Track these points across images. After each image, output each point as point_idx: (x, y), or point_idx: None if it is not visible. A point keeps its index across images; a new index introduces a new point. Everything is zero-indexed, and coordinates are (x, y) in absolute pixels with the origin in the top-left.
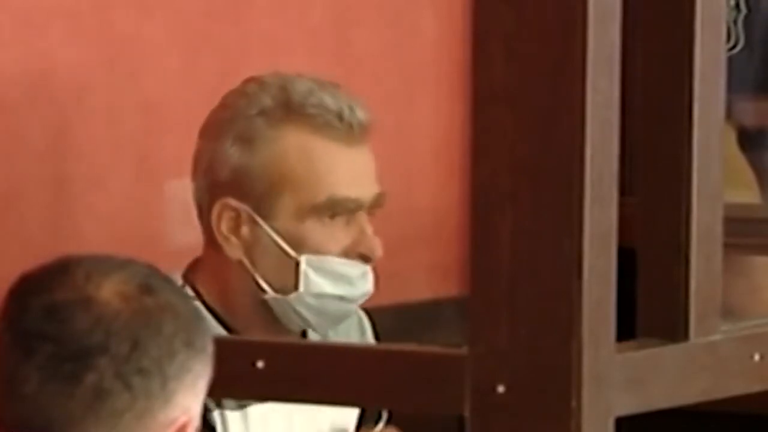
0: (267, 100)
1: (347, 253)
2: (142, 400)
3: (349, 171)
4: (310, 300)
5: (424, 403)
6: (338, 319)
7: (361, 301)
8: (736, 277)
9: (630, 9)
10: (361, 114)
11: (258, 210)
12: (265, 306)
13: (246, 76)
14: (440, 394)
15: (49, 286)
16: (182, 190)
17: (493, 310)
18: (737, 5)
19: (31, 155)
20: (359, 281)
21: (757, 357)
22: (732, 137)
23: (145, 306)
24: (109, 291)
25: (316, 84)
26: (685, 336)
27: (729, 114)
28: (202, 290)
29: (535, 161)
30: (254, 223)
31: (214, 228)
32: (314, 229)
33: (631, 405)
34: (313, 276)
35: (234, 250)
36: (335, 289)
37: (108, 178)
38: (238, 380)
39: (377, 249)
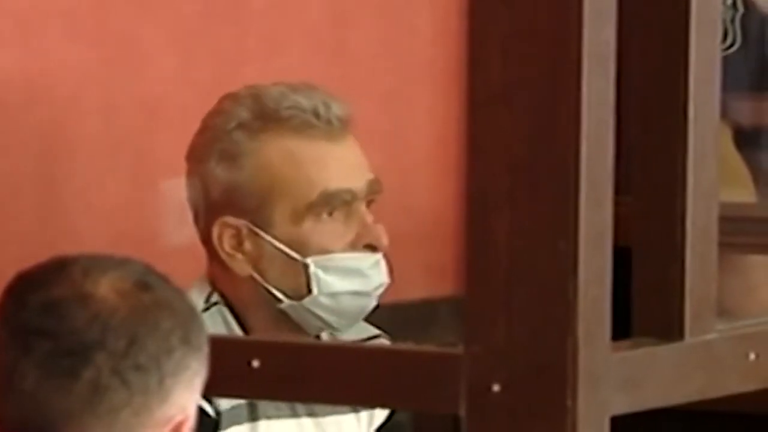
0: (243, 113)
1: (353, 247)
2: (140, 397)
3: (337, 165)
4: (325, 300)
5: (420, 402)
6: (357, 315)
7: (377, 293)
8: (732, 276)
9: (625, 8)
10: (337, 109)
11: (256, 222)
12: (283, 315)
13: (243, 76)
14: (436, 394)
15: (46, 283)
16: (178, 189)
17: (489, 310)
18: (734, 4)
19: (27, 154)
20: (371, 272)
21: (752, 356)
22: (728, 136)
23: (142, 302)
24: (106, 288)
25: (288, 88)
26: (680, 335)
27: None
28: (231, 301)
29: (530, 161)
30: (255, 236)
31: (218, 248)
32: (314, 229)
33: (626, 404)
34: (324, 276)
35: (241, 266)
36: (349, 284)
37: (104, 177)
38: (234, 379)
39: (382, 237)
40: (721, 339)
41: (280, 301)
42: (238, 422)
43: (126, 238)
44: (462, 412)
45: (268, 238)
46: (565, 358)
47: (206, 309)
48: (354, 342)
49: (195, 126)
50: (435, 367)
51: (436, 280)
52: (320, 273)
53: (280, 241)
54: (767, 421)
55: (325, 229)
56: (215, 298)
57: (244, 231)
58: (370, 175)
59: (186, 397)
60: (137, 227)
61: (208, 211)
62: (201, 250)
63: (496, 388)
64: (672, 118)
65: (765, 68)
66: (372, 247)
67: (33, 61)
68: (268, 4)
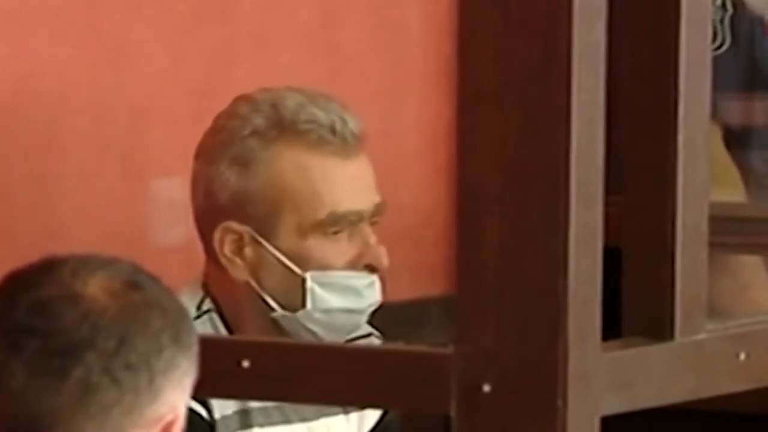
0: (259, 120)
1: (353, 265)
2: (130, 395)
3: (348, 185)
4: (319, 315)
5: (410, 402)
6: (348, 331)
7: (369, 312)
8: (722, 276)
9: (615, 8)
10: (353, 125)
11: (260, 231)
12: (275, 325)
13: (233, 76)
14: (426, 394)
15: (35, 283)
16: (167, 188)
17: (479, 310)
18: (723, 4)
19: (17, 154)
20: (366, 291)
21: (742, 356)
22: (718, 136)
23: (132, 302)
24: (96, 287)
25: (306, 98)
26: (670, 335)
27: (715, 112)
28: (221, 307)
29: (521, 160)
30: (257, 243)
31: (218, 251)
32: (317, 246)
33: (617, 404)
34: (320, 291)
35: (239, 271)
36: (343, 302)
37: (93, 176)
38: (224, 379)
39: (383, 258)
40: (712, 339)
41: (273, 310)
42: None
43: (115, 237)
44: (452, 412)
45: (270, 248)
46: (555, 358)
47: (197, 317)
48: (345, 341)
49: (185, 125)
50: (425, 367)
51: (426, 280)
52: (317, 288)
53: (282, 252)
54: (758, 420)
55: (328, 246)
56: (207, 305)
57: (247, 237)
58: (377, 198)
59: (176, 397)
60: (126, 227)
61: (211, 213)
62: (190, 250)
63: (486, 388)
64: (662, 118)
65: (754, 68)
66: (372, 268)
67: (22, 61)
68: (258, 3)
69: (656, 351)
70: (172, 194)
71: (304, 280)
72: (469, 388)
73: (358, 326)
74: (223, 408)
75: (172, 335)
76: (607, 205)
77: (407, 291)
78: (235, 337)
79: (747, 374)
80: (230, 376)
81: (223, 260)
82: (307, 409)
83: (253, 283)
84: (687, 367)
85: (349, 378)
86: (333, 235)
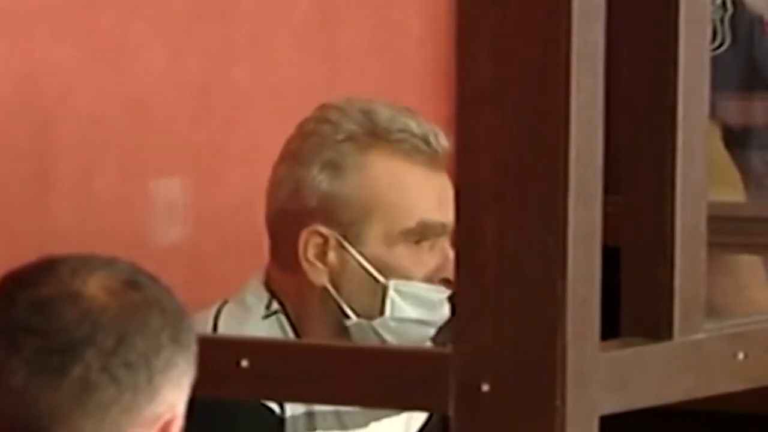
0: (352, 126)
1: (430, 278)
2: (129, 394)
3: (437, 196)
4: (393, 324)
5: (409, 401)
6: (417, 342)
7: (439, 326)
8: (721, 276)
9: (614, 7)
10: (443, 140)
11: (346, 236)
12: (341, 332)
13: (232, 76)
14: (425, 393)
15: (35, 282)
16: (166, 188)
17: (478, 309)
18: (723, 4)
19: (15, 154)
20: (440, 305)
21: (740, 356)
22: (717, 135)
23: (131, 301)
24: (95, 286)
25: (395, 109)
26: (669, 335)
27: (714, 112)
28: (289, 310)
29: (519, 160)
30: (342, 249)
31: (300, 254)
32: (403, 255)
33: (615, 404)
34: (399, 301)
35: (320, 276)
36: (417, 313)
37: (92, 177)
38: (223, 379)
39: None
40: (710, 338)
41: (347, 317)
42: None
43: (114, 237)
44: (451, 412)
45: (356, 254)
46: (553, 357)
47: (267, 316)
48: (343, 343)
49: (184, 125)
50: (424, 366)
51: None
52: (396, 297)
53: (367, 259)
54: (755, 420)
55: (411, 256)
56: (275, 306)
57: (332, 242)
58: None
59: (175, 396)
60: (125, 227)
61: (296, 215)
62: (189, 250)
63: (485, 387)
64: (661, 117)
65: (754, 68)
66: (448, 282)
67: (21, 61)
68: (257, 3)
69: (655, 350)
70: (172, 194)
71: (385, 288)
72: (468, 388)
73: (426, 339)
74: (294, 407)
75: (171, 334)
76: (605, 204)
77: None
78: (234, 336)
79: (745, 374)
80: (229, 376)
81: (304, 264)
82: (360, 414)
83: (331, 289)
84: (685, 367)
85: (348, 377)
86: (416, 246)
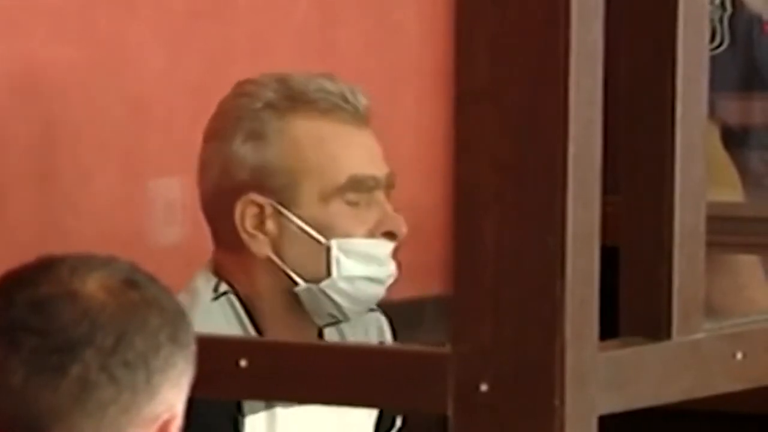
0: (269, 94)
1: (372, 234)
2: (127, 393)
3: (364, 150)
4: (343, 284)
5: (407, 402)
6: (370, 302)
7: (389, 282)
8: (719, 275)
9: (613, 7)
10: (362, 97)
11: (282, 202)
12: (293, 301)
13: (230, 75)
14: (423, 393)
15: (34, 281)
16: (165, 188)
17: (476, 309)
18: (722, 4)
19: (15, 153)
20: (387, 260)
21: (739, 355)
22: (716, 135)
23: (130, 300)
24: (94, 285)
25: (310, 75)
26: (668, 335)
27: (713, 112)
28: (239, 290)
29: (518, 159)
30: (279, 215)
31: (239, 227)
32: (340, 213)
33: (614, 404)
34: (345, 259)
35: (261, 246)
36: (366, 270)
37: (92, 176)
38: (221, 379)
39: (402, 226)
40: (709, 338)
41: (295, 284)
42: (255, 411)
43: (113, 237)
44: (449, 412)
45: (294, 218)
46: (552, 357)
47: (215, 298)
48: (341, 343)
49: (183, 125)
50: (422, 366)
51: (423, 279)
52: (341, 256)
53: (306, 222)
54: (754, 420)
55: (350, 213)
56: (224, 287)
57: (269, 210)
58: (387, 168)
59: (173, 395)
60: (124, 226)
61: (228, 191)
62: (188, 250)
63: (483, 387)
64: (660, 117)
65: (753, 68)
66: (391, 235)
67: (20, 60)
68: (255, 2)
69: (653, 350)
70: (170, 194)
71: (329, 249)
72: (467, 388)
73: (378, 297)
74: None
75: (170, 334)
76: (604, 204)
77: (404, 290)
78: (233, 336)
79: (744, 374)
80: (227, 376)
81: (244, 236)
82: None
83: (275, 258)
84: (684, 367)
85: (346, 377)
86: (353, 202)
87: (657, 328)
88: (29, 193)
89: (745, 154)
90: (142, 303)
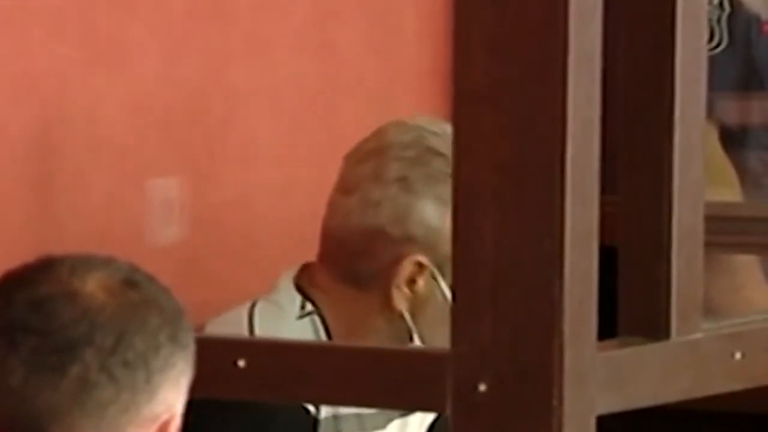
0: None
1: None
2: (127, 393)
3: None
4: None
5: (406, 402)
6: None
7: None
8: (718, 275)
9: (611, 7)
10: None
11: (440, 269)
12: None
13: (228, 76)
14: (422, 393)
15: (33, 281)
16: (163, 188)
17: (475, 309)
18: (721, 4)
19: (13, 154)
20: None
21: (738, 355)
22: (714, 135)
23: (130, 300)
24: (93, 285)
25: None
26: (666, 334)
27: (711, 112)
28: (326, 315)
29: (516, 160)
30: (433, 280)
31: (391, 277)
32: None
33: (612, 403)
34: None
35: (401, 301)
36: None
37: (89, 177)
38: (220, 379)
39: None
40: (708, 338)
41: (411, 340)
42: None
43: (111, 237)
44: (448, 412)
45: (445, 288)
46: (551, 357)
47: (301, 317)
48: (340, 343)
49: (180, 125)
50: (421, 366)
51: None
52: None
53: None
54: (753, 420)
55: None
56: (309, 307)
57: (427, 273)
58: None
59: (173, 396)
60: (122, 227)
61: (397, 241)
62: (186, 250)
63: (482, 387)
64: (658, 117)
65: (751, 68)
66: None
67: (17, 61)
68: (253, 3)
69: (652, 350)
70: (169, 194)
71: None
72: (465, 388)
73: None
74: (325, 410)
75: (170, 334)
76: (603, 204)
77: None
78: (231, 336)
79: (742, 374)
80: (226, 376)
81: (393, 287)
82: (379, 416)
83: (407, 316)
84: (682, 367)
85: (345, 377)
86: None
87: (656, 328)
88: (28, 192)
89: (743, 154)
90: (142, 303)
